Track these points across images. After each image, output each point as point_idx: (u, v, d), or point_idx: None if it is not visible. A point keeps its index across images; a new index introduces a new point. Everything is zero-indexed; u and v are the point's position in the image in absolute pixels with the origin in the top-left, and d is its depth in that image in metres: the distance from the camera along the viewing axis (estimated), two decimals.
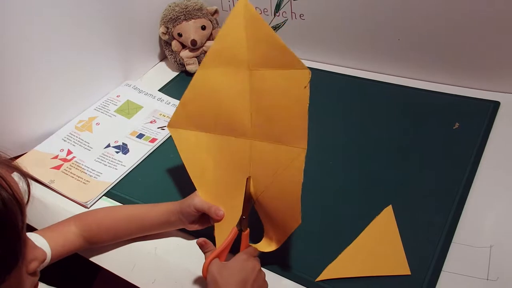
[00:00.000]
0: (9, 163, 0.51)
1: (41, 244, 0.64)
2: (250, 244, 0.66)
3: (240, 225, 0.65)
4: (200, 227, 0.70)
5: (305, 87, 0.60)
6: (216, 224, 0.67)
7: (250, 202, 0.66)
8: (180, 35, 1.09)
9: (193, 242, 0.72)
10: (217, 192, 0.68)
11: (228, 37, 0.68)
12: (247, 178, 0.66)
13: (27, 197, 0.50)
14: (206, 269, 0.61)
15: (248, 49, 0.66)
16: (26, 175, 0.53)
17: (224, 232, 0.65)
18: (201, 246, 0.64)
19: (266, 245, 0.66)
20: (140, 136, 0.94)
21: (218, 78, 0.70)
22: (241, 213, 0.65)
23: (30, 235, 0.65)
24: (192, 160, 0.73)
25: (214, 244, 0.65)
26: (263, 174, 0.65)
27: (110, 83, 1.06)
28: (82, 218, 0.72)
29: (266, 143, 0.65)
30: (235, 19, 0.67)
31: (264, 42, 0.65)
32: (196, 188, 0.70)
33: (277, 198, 0.63)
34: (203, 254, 0.64)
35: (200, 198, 0.68)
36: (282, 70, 0.63)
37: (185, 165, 0.72)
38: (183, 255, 0.71)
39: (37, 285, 0.57)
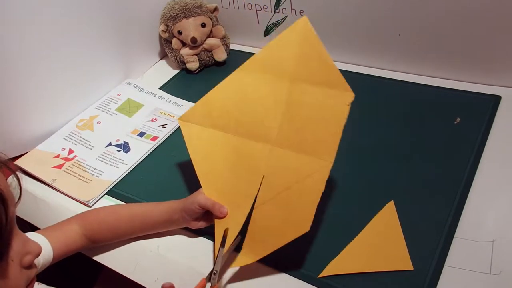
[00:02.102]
0: None
1: (42, 243, 0.64)
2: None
3: (210, 278, 0.62)
4: (203, 225, 0.69)
5: (348, 105, 0.61)
6: (216, 221, 0.67)
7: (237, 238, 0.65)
8: (180, 33, 1.09)
9: (196, 240, 0.72)
10: (224, 190, 0.68)
11: (278, 48, 0.69)
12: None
13: (18, 191, 0.51)
14: None
15: (295, 63, 0.67)
16: (13, 170, 0.53)
17: (226, 231, 0.65)
18: None
19: (246, 257, 0.64)
20: (141, 134, 0.94)
21: (254, 83, 0.70)
22: (247, 214, 0.65)
23: (31, 234, 0.65)
24: (201, 157, 0.72)
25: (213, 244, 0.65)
26: (278, 180, 0.64)
27: (111, 81, 1.06)
28: (84, 217, 0.72)
29: (288, 151, 0.65)
30: (291, 34, 0.68)
31: (313, 60, 0.65)
32: (201, 184, 0.69)
33: (289, 205, 0.63)
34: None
35: (204, 196, 0.68)
36: (325, 88, 0.63)
37: (192, 160, 0.72)
38: (186, 253, 0.71)
39: (34, 279, 0.57)
